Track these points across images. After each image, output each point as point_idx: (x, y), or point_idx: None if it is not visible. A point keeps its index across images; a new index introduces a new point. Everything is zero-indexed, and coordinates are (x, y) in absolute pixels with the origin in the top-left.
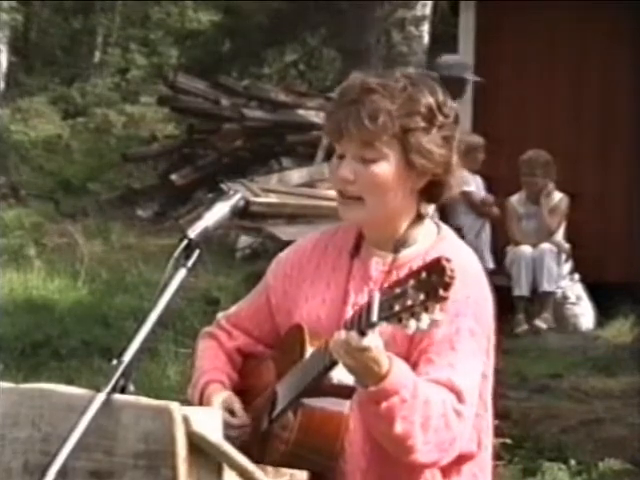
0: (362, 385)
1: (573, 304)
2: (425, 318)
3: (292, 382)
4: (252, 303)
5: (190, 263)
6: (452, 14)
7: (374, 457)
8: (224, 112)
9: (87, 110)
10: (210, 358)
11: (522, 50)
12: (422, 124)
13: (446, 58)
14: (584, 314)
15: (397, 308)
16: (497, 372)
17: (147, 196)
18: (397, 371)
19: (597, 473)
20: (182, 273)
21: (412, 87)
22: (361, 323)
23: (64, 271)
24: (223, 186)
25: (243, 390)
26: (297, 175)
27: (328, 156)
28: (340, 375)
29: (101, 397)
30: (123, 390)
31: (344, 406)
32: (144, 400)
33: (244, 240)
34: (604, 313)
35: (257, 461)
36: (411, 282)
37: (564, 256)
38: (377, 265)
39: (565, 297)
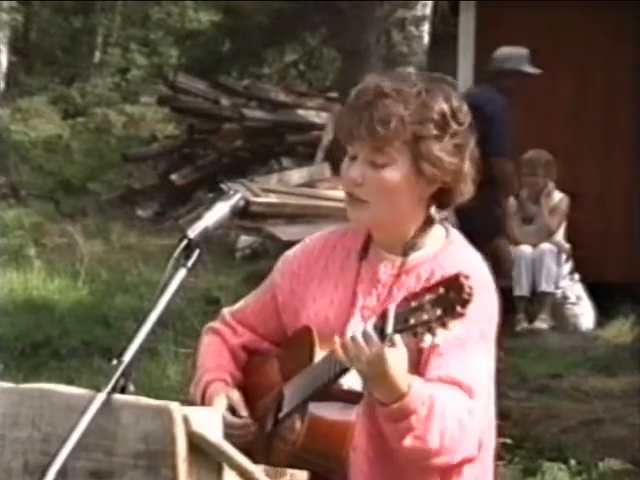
0: (376, 394)
1: (573, 304)
2: (440, 333)
3: (301, 384)
4: (258, 300)
5: (190, 263)
6: (452, 14)
7: (377, 461)
8: (224, 112)
9: (87, 110)
10: (213, 355)
11: None
12: (434, 132)
13: (502, 50)
14: (584, 314)
15: (412, 321)
16: (497, 372)
17: (147, 196)
18: (417, 386)
19: (597, 473)
20: (182, 273)
21: (426, 93)
22: (376, 333)
23: (64, 271)
24: (223, 186)
25: (247, 387)
26: (297, 175)
27: (328, 156)
28: (350, 381)
29: (101, 397)
30: (123, 390)
31: (352, 412)
32: (144, 400)
33: (244, 240)
34: (604, 313)
35: (261, 462)
36: (427, 297)
37: (564, 256)
38: (385, 268)
39: (565, 297)
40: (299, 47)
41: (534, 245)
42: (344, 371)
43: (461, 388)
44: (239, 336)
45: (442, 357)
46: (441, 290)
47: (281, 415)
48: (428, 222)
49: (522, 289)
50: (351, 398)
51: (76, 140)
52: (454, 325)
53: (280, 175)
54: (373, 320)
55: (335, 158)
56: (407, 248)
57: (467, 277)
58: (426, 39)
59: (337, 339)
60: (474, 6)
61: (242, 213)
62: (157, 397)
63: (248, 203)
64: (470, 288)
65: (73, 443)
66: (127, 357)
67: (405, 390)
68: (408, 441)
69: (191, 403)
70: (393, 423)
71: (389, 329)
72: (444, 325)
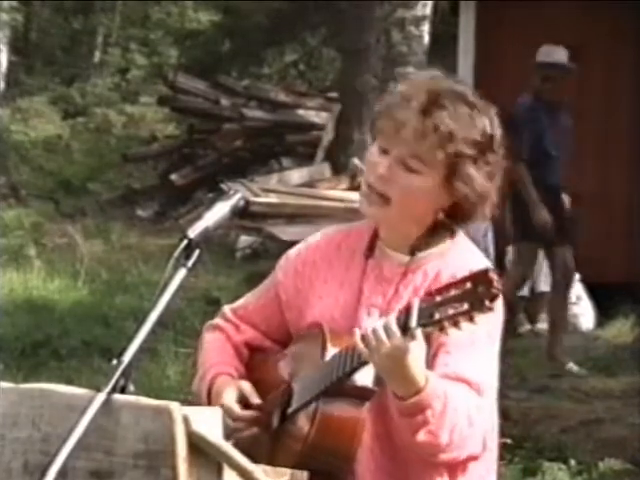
0: (394, 387)
1: (573, 304)
2: (465, 327)
3: (312, 380)
4: (260, 297)
5: (190, 263)
6: (452, 14)
7: (383, 458)
8: (224, 112)
9: (87, 110)
10: (217, 351)
11: (522, 50)
12: (474, 152)
13: (547, 47)
14: (584, 314)
15: (438, 316)
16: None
17: (147, 196)
18: (433, 381)
19: (597, 473)
20: (182, 273)
21: (477, 113)
22: (398, 327)
23: (64, 271)
24: (223, 186)
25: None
26: (297, 175)
27: (328, 156)
28: (362, 377)
29: (101, 397)
30: (123, 390)
31: (362, 409)
32: (144, 400)
33: (244, 240)
34: (604, 313)
35: (264, 459)
36: (453, 292)
37: None
38: (392, 266)
39: None
40: (299, 47)
41: None
42: (358, 367)
43: (470, 386)
44: (242, 333)
45: (450, 355)
46: (468, 285)
47: (290, 410)
48: (436, 223)
49: (522, 289)
50: (363, 394)
51: (76, 140)
52: (480, 319)
53: (280, 175)
54: (395, 314)
55: (335, 158)
56: (414, 247)
57: (495, 272)
58: (426, 39)
59: (357, 331)
60: (474, 6)
61: (242, 213)
62: (157, 397)
63: (248, 203)
64: (499, 282)
65: (73, 443)
66: (127, 357)
67: (422, 385)
68: (421, 435)
69: (191, 403)
70: (409, 417)
71: (413, 323)
72: (471, 319)
